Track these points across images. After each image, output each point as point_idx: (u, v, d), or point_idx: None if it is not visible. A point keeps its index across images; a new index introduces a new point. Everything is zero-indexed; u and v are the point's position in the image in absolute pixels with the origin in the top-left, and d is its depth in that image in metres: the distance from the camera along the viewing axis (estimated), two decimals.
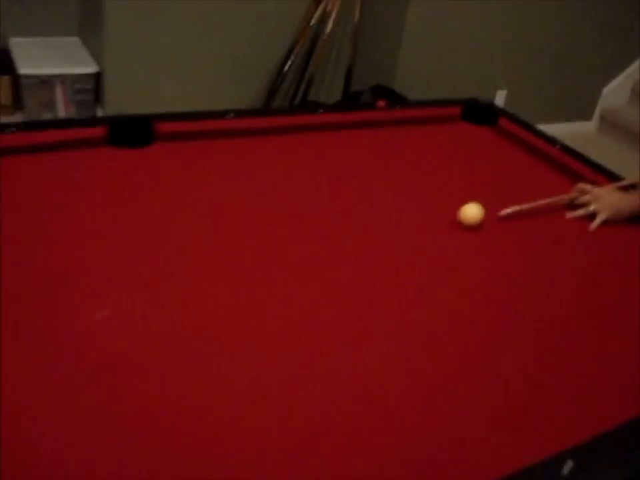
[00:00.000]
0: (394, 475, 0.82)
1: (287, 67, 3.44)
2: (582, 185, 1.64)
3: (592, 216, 1.57)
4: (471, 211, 1.43)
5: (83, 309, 1.03)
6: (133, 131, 1.56)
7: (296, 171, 1.61)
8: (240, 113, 1.76)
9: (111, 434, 0.82)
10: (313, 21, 3.41)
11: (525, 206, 1.53)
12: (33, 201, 1.30)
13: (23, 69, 3.16)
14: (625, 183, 1.69)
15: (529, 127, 2.00)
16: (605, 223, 1.55)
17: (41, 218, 1.26)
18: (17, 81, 3.27)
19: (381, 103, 1.94)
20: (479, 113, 2.04)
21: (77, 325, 1.00)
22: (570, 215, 1.59)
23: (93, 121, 1.57)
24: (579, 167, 1.80)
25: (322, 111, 1.92)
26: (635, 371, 1.08)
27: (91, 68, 3.25)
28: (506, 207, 1.51)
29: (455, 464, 0.85)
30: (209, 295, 1.11)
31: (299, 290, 1.16)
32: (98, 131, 1.53)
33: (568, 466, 0.83)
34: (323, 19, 3.42)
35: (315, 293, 1.16)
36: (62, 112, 3.30)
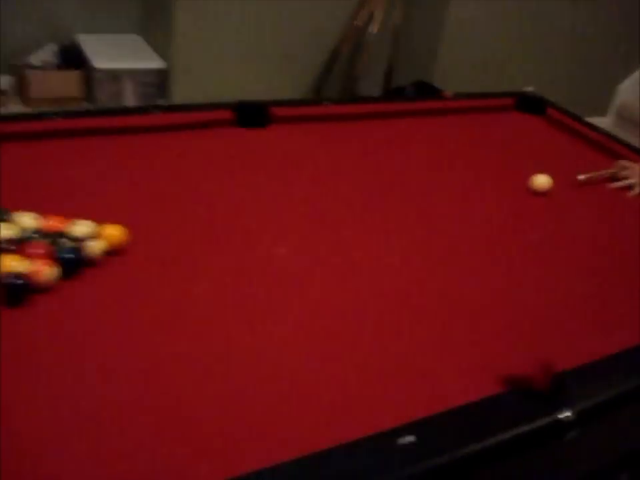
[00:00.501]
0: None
1: (332, 69, 3.75)
2: (622, 162, 1.95)
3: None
4: (541, 179, 1.74)
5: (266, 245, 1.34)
6: (255, 114, 1.86)
7: (395, 152, 1.91)
8: (333, 101, 2.07)
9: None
10: (358, 21, 3.72)
11: (591, 174, 1.86)
12: (193, 168, 1.61)
13: (97, 64, 3.46)
14: None
15: (574, 116, 2.31)
16: None
17: (210, 181, 1.56)
18: (88, 74, 3.56)
19: (448, 94, 2.25)
20: (530, 104, 2.35)
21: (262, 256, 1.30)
22: (612, 185, 1.90)
23: (221, 105, 1.84)
24: (618, 148, 2.11)
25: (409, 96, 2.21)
26: None
27: (156, 63, 3.55)
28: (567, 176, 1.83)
29: None
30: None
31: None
32: (225, 114, 1.84)
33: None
34: (369, 19, 3.73)
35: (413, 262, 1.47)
36: (129, 104, 3.59)
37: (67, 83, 3.55)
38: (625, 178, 1.91)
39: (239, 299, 1.17)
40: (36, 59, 3.56)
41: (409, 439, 0.88)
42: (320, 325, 1.14)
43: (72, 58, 3.62)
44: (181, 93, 3.52)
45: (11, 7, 3.52)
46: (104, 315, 1.09)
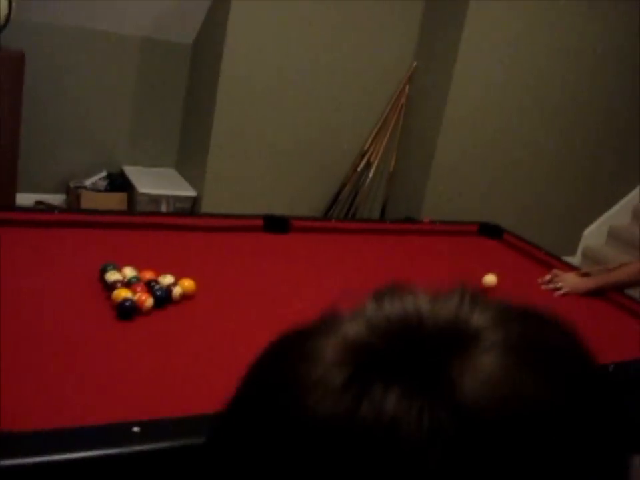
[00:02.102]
0: None
1: (338, 199, 4.49)
2: (555, 271, 2.58)
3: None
4: (490, 277, 2.35)
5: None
6: (278, 223, 2.50)
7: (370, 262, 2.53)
8: (341, 218, 2.71)
9: None
10: (359, 168, 4.50)
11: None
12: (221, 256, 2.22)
13: (140, 189, 4.18)
14: (584, 271, 2.62)
15: (525, 240, 2.96)
16: (567, 294, 2.47)
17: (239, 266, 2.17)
18: (131, 197, 4.28)
19: (426, 220, 2.91)
20: (490, 230, 3.01)
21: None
22: (544, 286, 2.51)
23: (253, 216, 2.48)
24: (555, 263, 2.74)
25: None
26: None
27: (190, 192, 4.27)
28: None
29: None
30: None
31: None
32: (256, 222, 2.48)
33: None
34: (367, 166, 4.51)
35: None
36: None
37: (113, 203, 4.24)
38: (555, 282, 2.53)
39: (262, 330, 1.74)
40: (88, 182, 4.28)
41: None
42: None
43: (118, 183, 4.35)
44: None
45: (71, 137, 4.29)
46: (180, 332, 1.66)
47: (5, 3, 3.33)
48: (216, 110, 4.04)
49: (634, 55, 4.68)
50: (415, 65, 4.48)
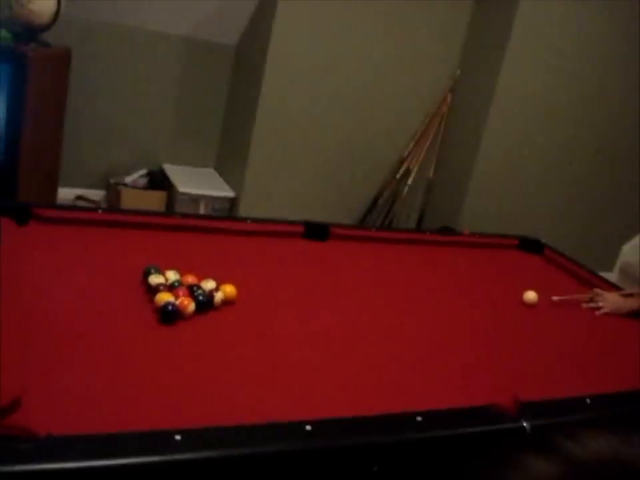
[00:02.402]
0: None
1: (376, 205, 4.48)
2: (597, 290, 2.53)
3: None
4: (531, 294, 2.32)
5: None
6: (318, 231, 2.49)
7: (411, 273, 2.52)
8: (380, 227, 2.69)
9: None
10: (398, 175, 4.47)
11: (565, 297, 2.42)
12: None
13: (181, 188, 4.20)
14: (625, 292, 2.57)
15: (566, 257, 2.91)
16: (607, 314, 2.42)
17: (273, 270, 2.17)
18: (171, 195, 4.31)
19: (466, 232, 2.88)
20: (531, 244, 2.96)
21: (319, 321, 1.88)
22: (585, 305, 2.46)
23: (294, 223, 2.48)
24: (597, 281, 2.69)
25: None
26: None
27: (228, 193, 4.29)
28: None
29: None
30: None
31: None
32: (297, 228, 2.47)
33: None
34: (405, 174, 4.48)
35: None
36: None
37: (153, 201, 4.28)
38: (596, 301, 2.49)
39: (302, 336, 1.74)
40: (129, 179, 4.32)
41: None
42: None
43: (158, 181, 4.38)
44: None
45: (113, 134, 4.34)
46: (222, 339, 1.66)
47: (53, 1, 3.38)
48: (258, 113, 4.05)
49: None
50: (458, 73, 4.44)
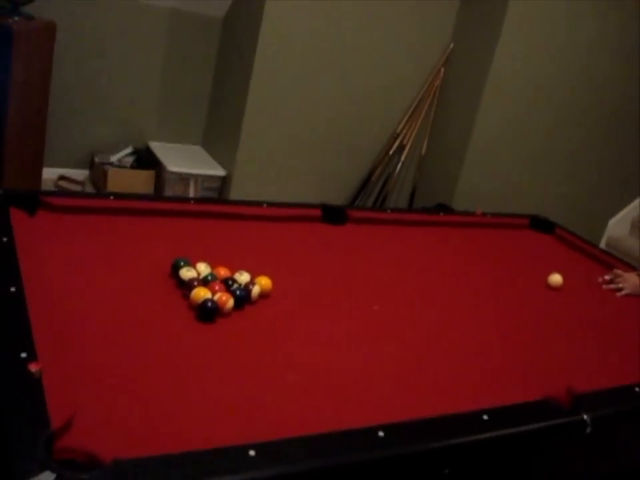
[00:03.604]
0: None
1: (369, 182, 4.39)
2: (617, 271, 2.50)
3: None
4: (556, 277, 2.28)
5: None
6: (336, 214, 2.41)
7: (424, 255, 2.45)
8: (394, 210, 2.62)
9: None
10: (391, 151, 4.39)
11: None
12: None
13: (170, 167, 4.06)
14: None
15: (577, 236, 2.88)
16: (628, 295, 2.39)
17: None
18: (159, 174, 4.16)
19: (478, 212, 2.82)
20: (542, 224, 2.92)
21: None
22: (606, 286, 2.44)
23: (311, 205, 2.39)
24: (610, 260, 2.67)
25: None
26: None
27: (219, 171, 4.15)
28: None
29: None
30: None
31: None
32: (315, 212, 2.38)
33: None
34: (398, 150, 4.40)
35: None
36: None
37: (140, 181, 4.13)
38: (617, 282, 2.46)
39: (333, 328, 1.67)
40: (114, 158, 4.15)
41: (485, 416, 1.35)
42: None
43: (145, 160, 4.22)
44: (236, 197, 4.10)
45: (97, 111, 4.16)
46: (267, 336, 1.57)
47: None
48: (250, 88, 3.91)
49: None
50: (452, 46, 4.35)
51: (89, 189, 4.19)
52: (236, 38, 4.13)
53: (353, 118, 4.29)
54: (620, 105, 4.65)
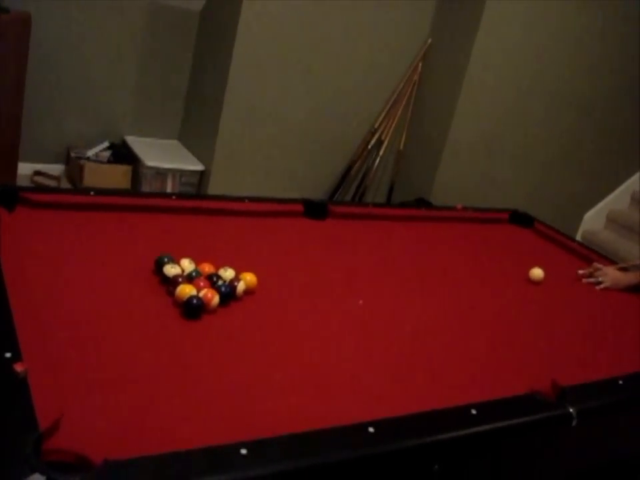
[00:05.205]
0: None
1: (347, 176, 4.39)
2: (596, 264, 2.53)
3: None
4: (538, 271, 2.29)
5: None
6: (318, 209, 2.40)
7: (408, 248, 2.46)
8: (375, 205, 2.62)
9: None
10: (369, 146, 4.39)
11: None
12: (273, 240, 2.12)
13: (147, 161, 4.02)
14: (622, 265, 2.58)
15: (556, 230, 2.90)
16: (607, 289, 2.42)
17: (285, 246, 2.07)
18: (136, 169, 4.11)
19: (459, 206, 2.83)
20: (521, 218, 2.95)
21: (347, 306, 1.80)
22: (585, 280, 2.46)
23: (293, 200, 2.38)
24: (587, 252, 2.70)
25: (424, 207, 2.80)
26: None
27: (197, 166, 4.12)
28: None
29: None
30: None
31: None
32: (297, 207, 2.37)
33: None
34: (377, 145, 4.41)
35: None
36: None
37: (117, 176, 4.08)
38: (596, 276, 2.49)
39: (314, 322, 1.66)
40: (91, 152, 4.10)
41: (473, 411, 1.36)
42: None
43: (121, 155, 4.17)
44: (215, 192, 4.07)
45: (72, 105, 4.10)
46: (254, 333, 1.56)
47: None
48: (228, 82, 3.89)
49: None
50: (429, 41, 4.36)
51: (65, 184, 4.14)
52: (213, 31, 4.10)
53: (331, 113, 4.29)
54: (594, 100, 4.70)
